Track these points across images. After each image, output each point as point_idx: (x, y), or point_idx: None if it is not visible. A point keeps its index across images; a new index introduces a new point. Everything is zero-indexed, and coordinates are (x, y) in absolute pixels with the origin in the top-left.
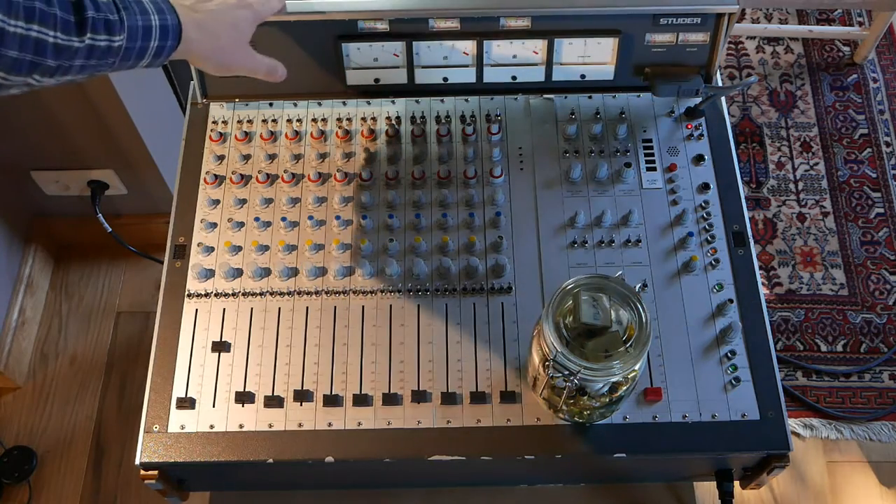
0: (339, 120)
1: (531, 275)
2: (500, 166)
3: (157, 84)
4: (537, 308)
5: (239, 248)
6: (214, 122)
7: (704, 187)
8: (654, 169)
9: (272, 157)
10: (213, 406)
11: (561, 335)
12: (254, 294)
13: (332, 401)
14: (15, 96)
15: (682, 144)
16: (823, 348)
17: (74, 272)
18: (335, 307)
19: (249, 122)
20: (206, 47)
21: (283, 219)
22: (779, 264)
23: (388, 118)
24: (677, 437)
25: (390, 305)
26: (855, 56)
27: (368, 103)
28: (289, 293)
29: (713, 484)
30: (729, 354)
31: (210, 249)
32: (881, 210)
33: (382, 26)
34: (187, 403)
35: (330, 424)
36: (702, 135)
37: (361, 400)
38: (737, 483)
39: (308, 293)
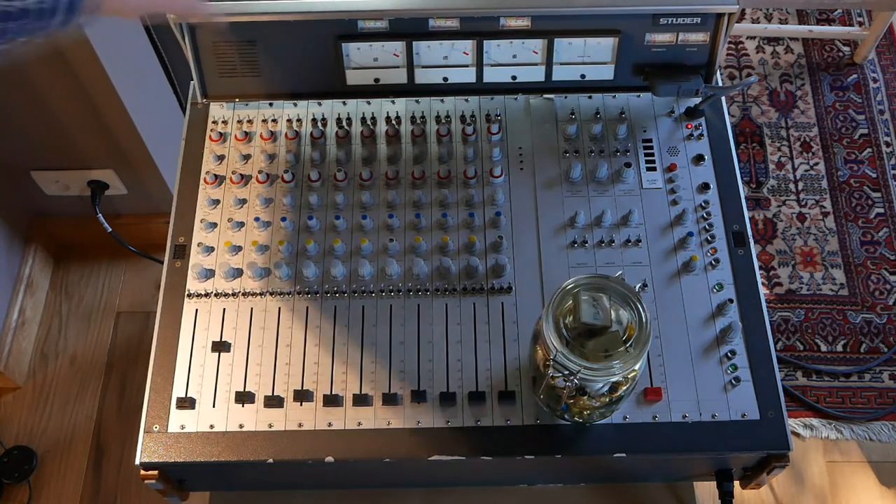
0: (338, 120)
1: (531, 275)
2: (500, 166)
3: (158, 84)
4: (537, 308)
5: (239, 248)
6: (214, 122)
7: (704, 187)
8: (654, 169)
9: (272, 157)
10: (213, 406)
11: (561, 335)
12: (254, 294)
13: (332, 401)
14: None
15: (682, 144)
16: (823, 348)
17: (74, 272)
18: (335, 307)
19: (249, 122)
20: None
21: (283, 219)
22: (779, 264)
23: (388, 118)
24: (677, 437)
25: (390, 305)
26: (855, 56)
27: (368, 103)
28: (289, 293)
29: (713, 484)
30: (729, 354)
31: (210, 249)
32: (881, 210)
33: (382, 26)
34: (187, 403)
35: (330, 424)
36: (702, 135)
37: (361, 400)
38: (737, 483)
39: (308, 293)
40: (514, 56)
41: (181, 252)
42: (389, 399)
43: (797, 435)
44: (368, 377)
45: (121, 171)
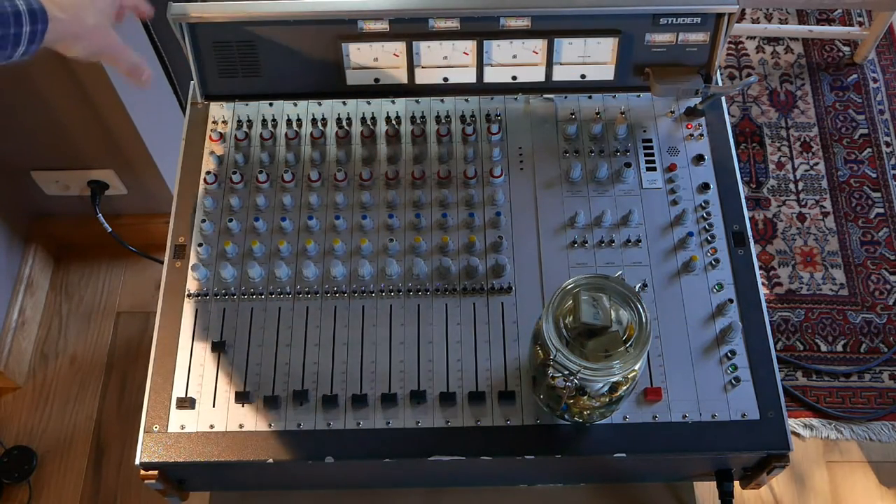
0: (338, 120)
1: (531, 275)
2: (500, 166)
3: (158, 84)
4: (537, 308)
5: (239, 249)
6: (214, 122)
7: (704, 187)
8: (654, 169)
9: (272, 157)
10: (213, 406)
11: (561, 335)
12: (254, 294)
13: (331, 401)
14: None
15: (682, 144)
16: (823, 348)
17: (74, 272)
18: (335, 307)
19: (249, 122)
20: (72, 28)
21: (283, 219)
22: (779, 264)
23: (388, 118)
24: (677, 437)
25: (390, 305)
26: (855, 56)
27: (368, 103)
28: (289, 293)
29: (713, 484)
30: (729, 354)
31: (210, 249)
32: (881, 210)
33: (382, 26)
34: (187, 403)
35: (329, 424)
36: (702, 135)
37: (361, 400)
38: (737, 483)
39: (308, 293)
40: (514, 56)
41: (181, 252)
42: (389, 399)
43: (797, 435)
44: (368, 377)
45: (121, 171)
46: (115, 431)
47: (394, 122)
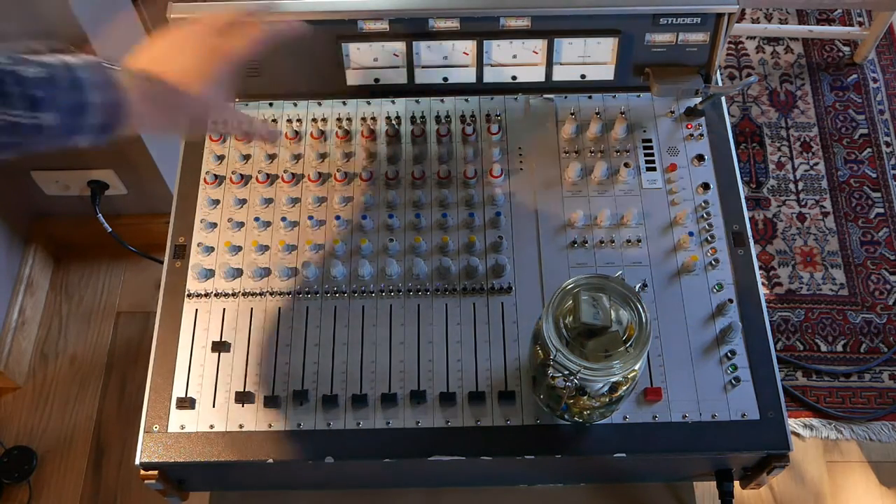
0: (339, 120)
1: (531, 275)
2: (500, 166)
3: None
4: (537, 308)
5: (239, 248)
6: (214, 122)
7: (704, 187)
8: (654, 169)
9: (272, 157)
10: (213, 406)
11: (561, 335)
12: (254, 294)
13: (331, 401)
14: None
15: (682, 144)
16: (823, 348)
17: (74, 272)
18: (335, 307)
19: (249, 122)
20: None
21: (283, 219)
22: (779, 264)
23: (388, 118)
24: (677, 437)
25: (390, 305)
26: (855, 56)
27: (368, 103)
28: (289, 293)
29: (713, 484)
30: (729, 354)
31: (210, 249)
32: (881, 210)
33: (382, 26)
34: (187, 403)
35: (329, 424)
36: (702, 135)
37: (361, 400)
38: (737, 483)
39: (308, 293)
40: (514, 56)
41: (181, 252)
42: (389, 399)
43: (797, 435)
44: (368, 377)
45: (121, 171)
46: (115, 431)
47: (394, 122)
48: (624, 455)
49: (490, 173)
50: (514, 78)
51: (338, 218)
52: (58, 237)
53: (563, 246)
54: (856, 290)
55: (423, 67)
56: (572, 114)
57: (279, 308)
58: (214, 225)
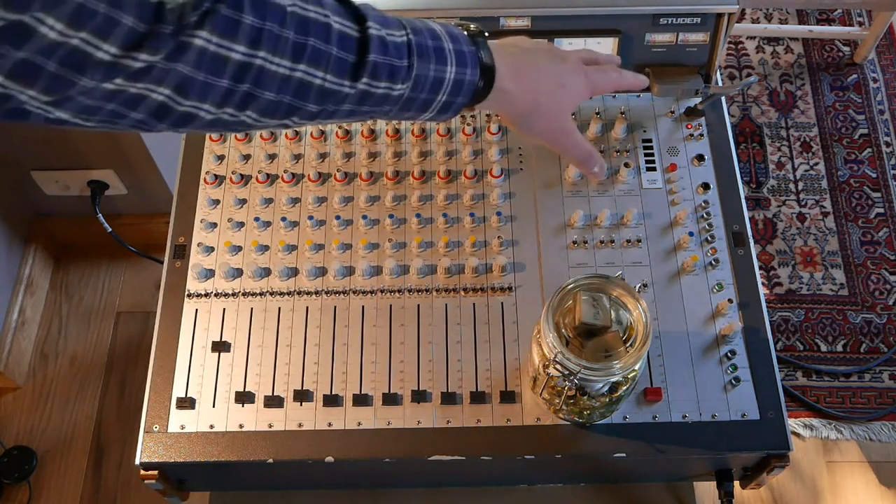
0: None
1: (531, 275)
2: (500, 166)
3: None
4: (537, 308)
5: (239, 248)
6: None
7: (704, 187)
8: (654, 169)
9: (272, 157)
10: (213, 406)
11: (561, 335)
12: (254, 294)
13: (332, 401)
14: None
15: (682, 144)
16: (823, 348)
17: (74, 272)
18: (335, 307)
19: None
20: (519, 105)
21: (283, 219)
22: (779, 264)
23: None
24: (677, 437)
25: (390, 305)
26: (855, 56)
27: None
28: (289, 293)
29: (713, 484)
30: (729, 354)
31: (210, 249)
32: (881, 210)
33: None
34: (187, 403)
35: (330, 424)
36: (702, 135)
37: (361, 400)
38: (737, 483)
39: (308, 293)
40: None
41: (181, 252)
42: (389, 399)
43: (797, 435)
44: (368, 377)
45: (121, 171)
46: (115, 431)
47: (394, 121)
48: (624, 455)
49: (490, 173)
50: None
51: (338, 218)
52: (58, 237)
53: (563, 246)
54: (856, 290)
55: None
56: (572, 114)
57: (279, 308)
58: (214, 225)
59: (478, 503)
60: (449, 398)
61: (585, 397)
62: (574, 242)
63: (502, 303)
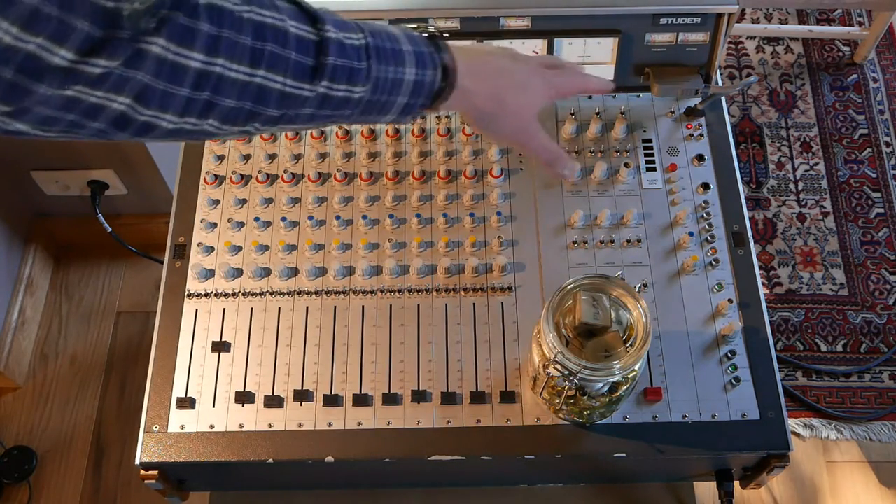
0: None
1: (531, 275)
2: (500, 166)
3: None
4: (537, 308)
5: (239, 248)
6: None
7: (704, 187)
8: (654, 169)
9: (272, 157)
10: (213, 406)
11: (561, 335)
12: (254, 294)
13: (332, 401)
14: None
15: (682, 144)
16: (823, 348)
17: (74, 272)
18: (335, 307)
19: None
20: (481, 105)
21: (283, 219)
22: (779, 264)
23: None
24: (677, 437)
25: (390, 305)
26: (855, 56)
27: None
28: (289, 293)
29: (713, 484)
30: (729, 354)
31: (210, 249)
32: (881, 210)
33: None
34: (187, 403)
35: (330, 424)
36: (702, 135)
37: (361, 400)
38: (737, 483)
39: (308, 293)
40: None
41: (181, 252)
42: (389, 399)
43: (797, 435)
44: (368, 377)
45: (121, 171)
46: (115, 431)
47: None
48: (624, 455)
49: (490, 173)
50: None
51: (338, 218)
52: (58, 237)
53: (563, 246)
54: (856, 290)
55: None
56: (572, 114)
57: (279, 308)
58: (214, 225)
59: (478, 503)
60: (449, 398)
61: (585, 397)
62: (574, 242)
63: (502, 303)
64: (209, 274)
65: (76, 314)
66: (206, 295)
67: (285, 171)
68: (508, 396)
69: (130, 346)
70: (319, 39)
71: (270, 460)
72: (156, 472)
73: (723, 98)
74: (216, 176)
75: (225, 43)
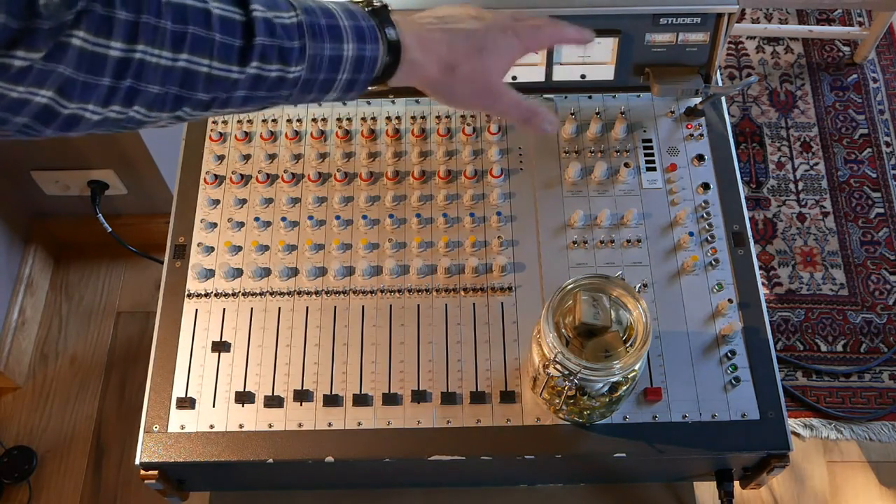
0: (339, 120)
1: (531, 275)
2: (500, 166)
3: None
4: (537, 308)
5: (239, 248)
6: (214, 122)
7: (704, 187)
8: (654, 169)
9: (272, 157)
10: (213, 406)
11: (561, 335)
12: (254, 294)
13: (332, 401)
14: None
15: (682, 144)
16: (823, 348)
17: (74, 272)
18: (335, 307)
19: (249, 121)
20: (433, 73)
21: (283, 219)
22: (779, 264)
23: (389, 118)
24: (677, 437)
25: (390, 305)
26: (855, 56)
27: (368, 103)
28: (289, 293)
29: (713, 484)
30: (729, 354)
31: (210, 249)
32: (881, 210)
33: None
34: (187, 403)
35: (330, 424)
36: (702, 135)
37: (361, 400)
38: (737, 483)
39: (308, 293)
40: None
41: (181, 252)
42: (389, 399)
43: (797, 435)
44: (368, 377)
45: (121, 171)
46: (115, 431)
47: (394, 121)
48: (624, 455)
49: (490, 173)
50: (514, 78)
51: (338, 218)
52: (58, 237)
53: (563, 246)
54: (856, 290)
55: None
56: (572, 114)
57: (279, 308)
58: (214, 225)
59: (478, 503)
60: (449, 398)
61: (585, 397)
62: (574, 242)
63: (502, 303)
64: (209, 274)
65: (76, 314)
66: (206, 295)
67: (285, 171)
68: (508, 396)
69: (130, 346)
70: (246, 20)
71: (270, 460)
72: (156, 472)
73: (723, 98)
74: (216, 176)
75: (144, 28)
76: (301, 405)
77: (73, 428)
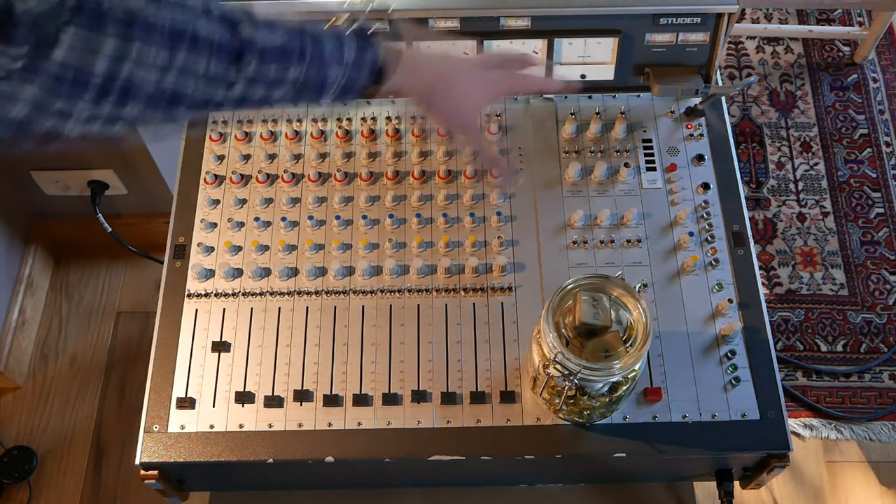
0: (339, 120)
1: (531, 275)
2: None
3: None
4: (537, 308)
5: (239, 248)
6: (214, 122)
7: (704, 187)
8: (653, 169)
9: (272, 157)
10: (213, 406)
11: (561, 335)
12: (254, 294)
13: (332, 401)
14: None
15: (682, 144)
16: (823, 348)
17: (74, 272)
18: (335, 307)
19: (249, 122)
20: (419, 90)
21: (283, 219)
22: (779, 264)
23: (389, 118)
24: (677, 437)
25: (390, 305)
26: (855, 56)
27: (368, 103)
28: (289, 293)
29: (713, 484)
30: (729, 354)
31: (210, 249)
32: (881, 210)
33: (383, 27)
34: (187, 403)
35: (330, 424)
36: (702, 135)
37: (361, 400)
38: (737, 483)
39: (308, 293)
40: None
41: (181, 252)
42: (389, 399)
43: (797, 435)
44: (368, 377)
45: (121, 171)
46: (115, 431)
47: (394, 121)
48: (624, 455)
49: (490, 173)
50: None
51: (338, 218)
52: (58, 237)
53: (563, 246)
54: (856, 290)
55: None
56: (572, 114)
57: (279, 308)
58: (214, 225)
59: (478, 503)
60: (449, 398)
61: (585, 397)
62: (574, 242)
63: (502, 303)
64: (209, 274)
65: (76, 314)
66: (206, 295)
67: (285, 171)
68: (508, 396)
69: (130, 346)
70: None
71: (270, 460)
72: (156, 472)
73: (723, 98)
74: (216, 176)
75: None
76: (301, 405)
77: (73, 428)
